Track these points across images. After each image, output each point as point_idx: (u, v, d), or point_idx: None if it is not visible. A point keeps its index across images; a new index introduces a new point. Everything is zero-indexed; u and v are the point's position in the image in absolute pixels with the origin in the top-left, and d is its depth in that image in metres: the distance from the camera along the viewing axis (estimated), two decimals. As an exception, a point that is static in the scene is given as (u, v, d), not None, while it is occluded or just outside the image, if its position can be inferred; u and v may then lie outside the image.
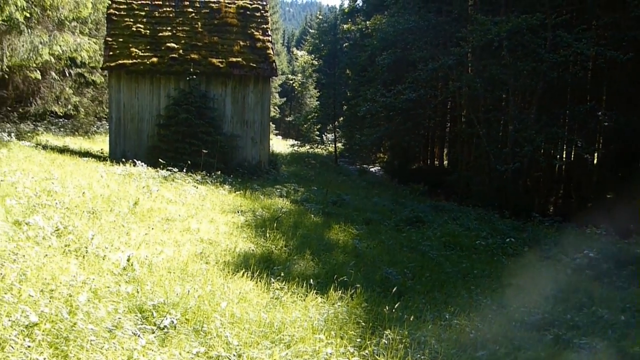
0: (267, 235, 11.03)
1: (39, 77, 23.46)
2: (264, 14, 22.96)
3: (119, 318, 5.21)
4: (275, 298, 7.28)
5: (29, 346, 4.32)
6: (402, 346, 6.13)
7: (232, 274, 7.95)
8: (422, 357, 6.10)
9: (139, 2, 22.19)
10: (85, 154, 19.68)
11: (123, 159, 17.98)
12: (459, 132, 31.77)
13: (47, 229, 7.30)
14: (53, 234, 7.32)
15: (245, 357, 5.29)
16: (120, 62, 20.18)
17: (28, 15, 16.91)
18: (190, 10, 22.36)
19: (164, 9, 22.19)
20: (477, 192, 25.32)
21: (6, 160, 12.88)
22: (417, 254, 12.53)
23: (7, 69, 19.87)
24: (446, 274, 11.12)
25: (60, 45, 19.54)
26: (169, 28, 21.52)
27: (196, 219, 11.15)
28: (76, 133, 28.76)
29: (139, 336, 5.04)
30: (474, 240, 14.69)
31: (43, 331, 4.51)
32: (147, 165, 16.97)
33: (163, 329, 5.35)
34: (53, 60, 21.46)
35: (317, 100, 58.31)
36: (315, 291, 7.79)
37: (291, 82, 69.13)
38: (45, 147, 18.44)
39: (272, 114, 49.89)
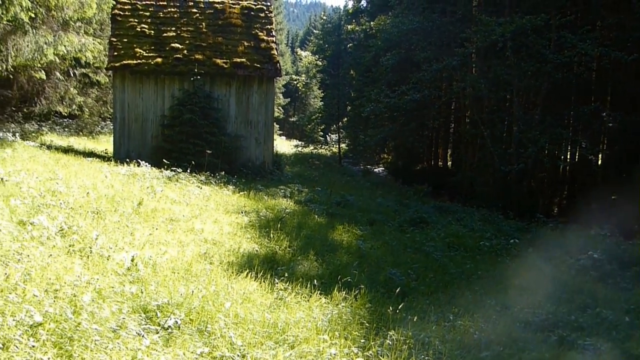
0: (271, 235, 11.04)
1: (44, 77, 23.48)
2: (268, 15, 22.97)
3: (123, 318, 5.22)
4: (279, 298, 7.29)
5: (33, 346, 4.33)
6: (406, 347, 6.12)
7: (236, 274, 7.96)
8: (426, 358, 6.10)
9: (144, 2, 22.23)
10: (90, 154, 19.71)
11: (127, 159, 18.01)
12: (463, 133, 31.74)
13: (52, 229, 7.32)
14: (57, 234, 7.33)
15: (249, 358, 5.30)
16: (124, 62, 20.22)
17: (33, 15, 16.92)
18: (195, 10, 22.38)
19: (169, 9, 22.22)
20: (481, 193, 25.28)
21: (11, 160, 12.91)
22: (421, 255, 12.52)
23: (12, 69, 19.86)
24: (450, 275, 11.11)
25: (65, 46, 19.54)
26: (173, 28, 21.55)
27: (200, 220, 11.16)
28: (80, 133, 28.80)
29: (143, 336, 5.05)
30: (478, 241, 14.68)
31: (47, 331, 4.52)
32: (151, 166, 17.00)
33: (167, 329, 5.36)
34: (58, 60, 21.49)
35: (321, 101, 58.29)
36: (319, 292, 7.79)
37: (295, 82, 69.05)
38: (49, 147, 18.47)
39: (276, 114, 49.93)
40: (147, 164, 17.06)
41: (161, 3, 22.44)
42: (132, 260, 6.93)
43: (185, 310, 5.79)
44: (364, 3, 49.82)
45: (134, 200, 10.86)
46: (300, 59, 66.38)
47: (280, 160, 25.55)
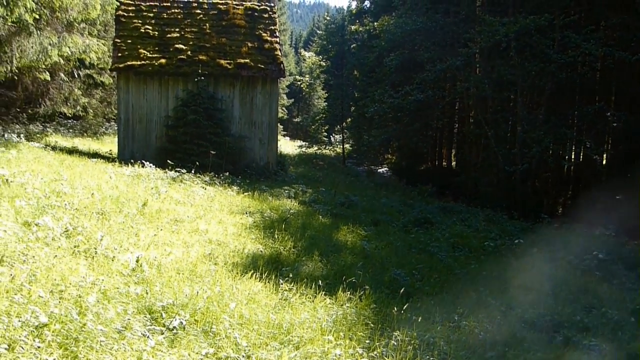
0: (276, 236, 11.03)
1: (48, 78, 23.55)
2: (272, 16, 22.99)
3: (128, 319, 5.23)
4: (284, 299, 7.28)
5: (38, 347, 4.34)
6: (410, 347, 6.12)
7: (240, 275, 7.96)
8: (431, 358, 6.10)
9: (148, 3, 22.27)
10: (94, 155, 19.74)
11: (131, 160, 18.03)
12: (467, 133, 31.70)
13: (57, 230, 7.33)
14: (62, 234, 7.34)
15: (254, 358, 5.30)
16: (128, 63, 20.25)
17: (37, 16, 16.97)
18: (199, 11, 22.41)
19: (172, 10, 22.26)
20: (485, 193, 25.24)
21: (15, 161, 12.93)
22: (426, 255, 12.51)
23: (16, 71, 19.93)
24: (455, 276, 11.09)
25: (69, 47, 19.60)
26: (177, 29, 21.59)
27: (205, 220, 11.17)
28: (85, 134, 28.86)
29: (148, 337, 5.05)
30: (483, 241, 14.66)
31: (53, 332, 4.52)
32: (156, 166, 17.01)
33: (172, 330, 5.36)
34: (62, 61, 21.54)
35: (324, 101, 58.26)
36: (323, 292, 7.79)
37: (299, 83, 69.04)
38: (54, 148, 18.51)
39: (280, 115, 49.91)
40: (151, 164, 17.07)
41: (165, 4, 22.48)
42: (137, 261, 6.94)
43: (190, 311, 5.80)
44: (367, 4, 49.78)
45: (139, 201, 10.87)
46: (304, 59, 66.45)
47: (284, 161, 25.55)
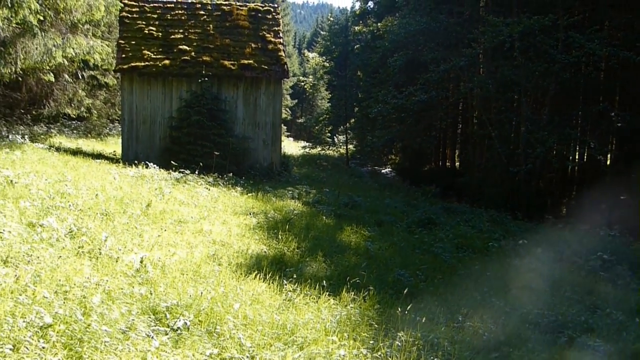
0: (279, 237, 11.03)
1: (52, 79, 23.56)
2: (276, 17, 23.02)
3: (133, 319, 5.23)
4: (288, 300, 7.28)
5: (43, 347, 4.34)
6: (415, 348, 6.11)
7: (244, 275, 7.96)
8: (435, 359, 6.09)
9: (151, 5, 22.34)
10: (98, 156, 19.78)
11: (135, 161, 18.05)
12: (471, 134, 31.69)
13: (61, 231, 7.34)
14: (67, 235, 7.36)
15: (258, 359, 5.29)
16: (132, 64, 20.29)
17: (41, 18, 16.99)
18: (202, 13, 22.45)
19: (176, 11, 22.31)
20: (489, 194, 25.21)
21: (20, 162, 12.97)
22: (430, 256, 12.50)
23: (20, 72, 19.93)
24: (458, 276, 11.07)
25: (73, 48, 19.62)
26: (181, 31, 21.63)
27: (208, 221, 11.18)
28: (89, 135, 28.89)
29: (152, 338, 5.06)
30: (487, 242, 14.64)
31: (57, 332, 4.53)
32: (160, 167, 17.04)
33: (176, 330, 5.36)
34: (66, 62, 21.54)
35: (328, 102, 58.28)
36: (327, 293, 7.78)
37: (302, 83, 69.11)
38: (58, 149, 18.55)
39: (284, 115, 49.88)
40: (155, 165, 17.11)
41: (169, 5, 22.56)
42: (141, 261, 6.94)
43: (194, 312, 5.80)
44: (370, 4, 49.80)
45: (143, 202, 10.88)
46: (308, 60, 66.41)
47: (288, 162, 25.56)
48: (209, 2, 22.65)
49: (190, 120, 19.69)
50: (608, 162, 27.38)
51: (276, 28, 22.56)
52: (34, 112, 26.59)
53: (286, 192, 17.55)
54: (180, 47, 21.01)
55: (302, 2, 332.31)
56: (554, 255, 13.32)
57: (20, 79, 23.07)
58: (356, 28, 46.96)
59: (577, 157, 29.17)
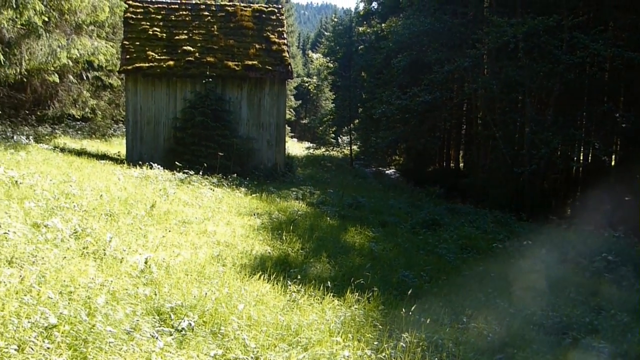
0: (284, 237, 11.03)
1: (57, 80, 23.64)
2: (280, 17, 23.04)
3: (137, 320, 5.23)
4: (292, 301, 7.28)
5: (48, 348, 4.35)
6: (419, 349, 6.10)
7: (248, 276, 7.96)
8: (440, 360, 6.08)
9: (156, 6, 22.37)
10: (103, 157, 19.81)
11: (140, 162, 18.06)
12: (475, 134, 31.64)
13: (66, 232, 7.35)
14: (71, 236, 7.37)
15: (263, 360, 5.30)
16: (137, 65, 20.31)
17: (46, 19, 17.05)
18: (206, 13, 22.48)
19: (180, 12, 22.34)
20: (493, 195, 25.18)
21: (25, 163, 12.99)
22: (434, 257, 12.49)
23: (25, 73, 20.03)
24: (463, 277, 11.07)
25: (77, 49, 19.70)
26: (185, 31, 21.65)
27: (213, 222, 11.19)
28: (93, 136, 28.95)
29: (157, 338, 5.06)
30: (491, 243, 14.62)
31: (62, 333, 4.53)
32: (164, 168, 17.06)
33: (181, 331, 5.37)
34: (71, 63, 21.62)
35: (332, 103, 58.26)
36: (332, 294, 7.78)
37: (306, 84, 69.13)
38: (63, 150, 18.58)
39: (288, 116, 49.87)
40: (159, 166, 17.12)
41: (173, 6, 22.60)
42: (146, 262, 6.95)
43: (198, 312, 5.80)
44: (374, 5, 49.74)
45: (147, 203, 10.90)
46: (312, 61, 66.46)
47: (292, 163, 25.56)
48: (213, 3, 22.64)
49: (194, 121, 19.71)
50: (613, 163, 27.31)
51: (280, 29, 22.58)
52: (38, 113, 26.67)
53: (290, 193, 17.55)
54: (185, 48, 21.03)
55: (306, 3, 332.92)
56: (558, 256, 13.30)
57: (25, 80, 23.15)
58: (360, 29, 46.99)
59: (581, 157, 29.12)
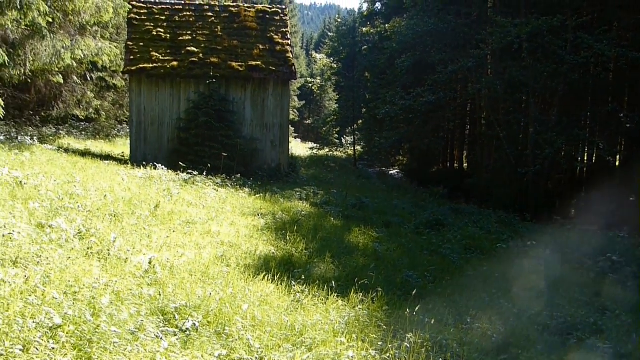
0: (288, 238, 11.03)
1: (61, 81, 23.66)
2: (283, 18, 23.03)
3: (142, 320, 5.24)
4: (296, 301, 7.28)
5: (53, 348, 4.36)
6: (423, 350, 6.09)
7: (253, 276, 7.96)
8: (444, 360, 6.08)
9: (160, 6, 22.40)
10: (107, 157, 19.84)
11: (144, 162, 18.09)
12: (479, 135, 31.62)
13: (70, 232, 7.37)
14: (76, 236, 7.38)
15: (267, 360, 5.30)
16: (140, 66, 20.33)
17: (50, 20, 17.06)
18: (210, 14, 22.50)
19: (184, 13, 22.36)
20: (497, 195, 25.14)
21: (29, 163, 13.02)
22: (438, 257, 12.48)
23: (30, 73, 20.04)
24: (467, 277, 11.05)
25: (82, 50, 19.71)
26: (189, 32, 21.67)
27: (217, 222, 11.19)
28: (97, 136, 28.98)
29: (161, 338, 5.06)
30: (495, 243, 14.60)
31: (67, 333, 4.54)
32: (168, 169, 17.08)
33: (185, 331, 5.37)
34: (75, 64, 21.64)
35: (336, 103, 58.30)
36: (336, 294, 7.78)
37: (310, 85, 69.17)
38: (67, 151, 18.61)
39: (292, 117, 49.96)
40: (163, 167, 17.15)
41: (177, 7, 22.63)
42: (150, 262, 6.96)
43: (203, 313, 5.81)
44: (378, 5, 49.73)
45: (151, 203, 10.91)
46: (315, 61, 66.58)
47: (296, 163, 25.57)
48: (217, 3, 22.65)
49: (198, 122, 19.73)
50: (617, 163, 27.25)
51: (284, 29, 22.58)
52: (42, 114, 26.71)
53: (294, 193, 17.55)
54: (189, 48, 21.05)
55: (310, 4, 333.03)
56: (562, 256, 13.27)
57: (30, 81, 23.17)
58: (364, 29, 46.95)
59: (585, 158, 29.06)
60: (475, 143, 34.87)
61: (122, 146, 26.11)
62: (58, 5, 17.63)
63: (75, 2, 17.54)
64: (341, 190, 20.53)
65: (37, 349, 4.28)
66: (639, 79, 24.76)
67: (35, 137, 19.72)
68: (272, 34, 22.22)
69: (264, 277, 8.02)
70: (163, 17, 22.00)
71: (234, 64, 20.88)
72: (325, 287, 7.94)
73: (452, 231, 15.46)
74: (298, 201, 16.54)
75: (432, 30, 28.28)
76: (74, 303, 5.08)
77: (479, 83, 27.84)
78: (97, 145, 25.31)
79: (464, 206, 23.03)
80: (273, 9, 23.57)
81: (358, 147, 48.14)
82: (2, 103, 13.18)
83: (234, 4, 22.69)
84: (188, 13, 22.41)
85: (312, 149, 48.81)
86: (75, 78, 26.06)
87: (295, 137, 62.36)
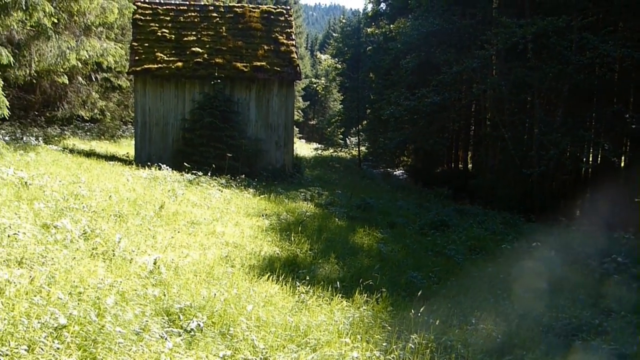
0: (292, 238, 11.03)
1: (66, 81, 23.72)
2: (288, 19, 23.04)
3: (146, 321, 5.25)
4: (301, 302, 7.28)
5: (58, 348, 4.36)
6: (428, 351, 6.09)
7: (257, 277, 7.96)
8: (449, 362, 6.07)
9: (165, 7, 22.43)
10: (111, 158, 19.87)
11: (148, 163, 18.12)
12: (484, 135, 31.56)
13: (75, 232, 7.38)
14: (81, 237, 7.39)
15: (271, 361, 5.30)
16: (145, 66, 20.36)
17: (56, 20, 17.07)
18: (215, 15, 22.52)
19: (189, 14, 22.39)
20: (502, 196, 25.11)
21: (34, 164, 13.05)
22: (442, 258, 12.47)
23: (35, 74, 20.11)
24: (471, 278, 11.03)
25: (87, 50, 19.74)
26: (193, 33, 21.70)
27: (221, 223, 11.20)
28: (102, 137, 29.04)
29: (166, 339, 5.07)
30: (500, 244, 14.58)
31: (72, 333, 4.55)
32: (172, 169, 17.10)
33: (190, 332, 5.38)
34: (80, 65, 21.68)
35: (340, 104, 58.23)
36: (340, 295, 7.78)
37: (315, 85, 69.04)
38: (72, 151, 18.65)
39: (296, 117, 49.89)
40: (168, 167, 17.16)
41: (182, 8, 22.66)
42: (155, 263, 6.97)
43: (207, 313, 5.81)
44: (383, 6, 49.63)
45: (156, 204, 10.92)
46: (320, 62, 66.46)
47: (300, 164, 25.55)
48: (222, 4, 22.67)
49: (202, 122, 19.74)
50: (622, 164, 27.18)
51: (288, 30, 22.59)
52: (48, 114, 26.77)
53: (298, 194, 17.56)
54: (193, 49, 21.07)
55: (315, 4, 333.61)
56: (567, 257, 13.23)
57: (35, 81, 23.25)
58: (368, 30, 46.92)
59: (590, 159, 28.99)
60: (479, 144, 34.81)
61: (127, 147, 26.15)
62: (63, 5, 17.66)
63: (81, 2, 17.57)
64: (346, 191, 20.53)
65: (42, 349, 4.29)
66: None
67: (40, 138, 19.77)
68: (276, 34, 22.23)
69: (268, 277, 8.02)
70: (168, 18, 22.03)
71: (238, 64, 20.89)
72: (330, 288, 7.94)
73: (457, 232, 15.45)
74: (302, 202, 16.54)
75: (436, 30, 28.25)
76: (78, 303, 5.09)
77: (483, 84, 27.81)
78: (102, 146, 25.36)
79: (469, 207, 23.00)
80: (278, 10, 23.58)
81: (362, 148, 48.15)
82: (8, 103, 13.20)
83: (239, 4, 22.70)
84: (193, 14, 22.44)
85: (316, 149, 48.83)
86: (80, 79, 26.14)
87: (299, 138, 62.35)
